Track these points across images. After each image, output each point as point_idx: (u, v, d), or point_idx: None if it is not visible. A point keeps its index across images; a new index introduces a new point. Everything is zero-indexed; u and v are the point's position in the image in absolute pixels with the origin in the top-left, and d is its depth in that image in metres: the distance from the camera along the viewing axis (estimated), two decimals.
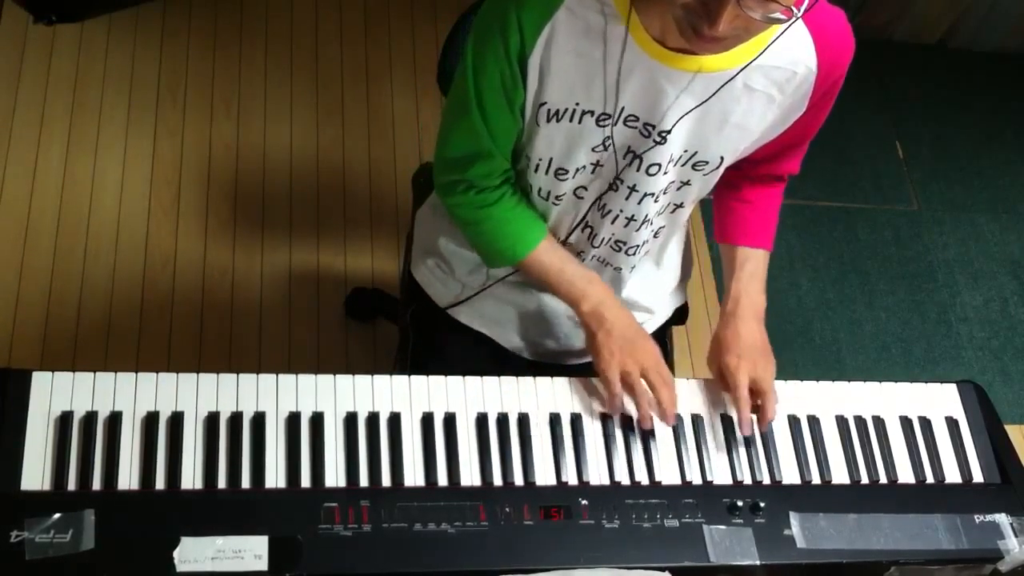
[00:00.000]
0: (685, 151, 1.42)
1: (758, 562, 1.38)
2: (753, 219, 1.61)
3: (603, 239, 1.55)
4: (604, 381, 1.47)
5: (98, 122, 2.65)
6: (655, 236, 1.59)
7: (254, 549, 1.27)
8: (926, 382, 1.61)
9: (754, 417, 1.51)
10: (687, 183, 1.48)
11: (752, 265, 1.59)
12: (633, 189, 1.46)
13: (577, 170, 1.44)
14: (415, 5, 3.02)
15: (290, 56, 2.87)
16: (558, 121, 1.38)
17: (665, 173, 1.44)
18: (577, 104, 1.37)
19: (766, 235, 1.62)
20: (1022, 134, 3.24)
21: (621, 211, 1.50)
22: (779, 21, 1.18)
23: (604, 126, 1.38)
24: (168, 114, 2.70)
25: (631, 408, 1.49)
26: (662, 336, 1.80)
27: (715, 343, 1.56)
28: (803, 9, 1.18)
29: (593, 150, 1.41)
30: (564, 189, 1.48)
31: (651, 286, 1.69)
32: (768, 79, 1.36)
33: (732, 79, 1.33)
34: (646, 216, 1.50)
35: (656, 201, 1.49)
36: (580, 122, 1.38)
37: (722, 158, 1.44)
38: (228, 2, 2.91)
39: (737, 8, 1.16)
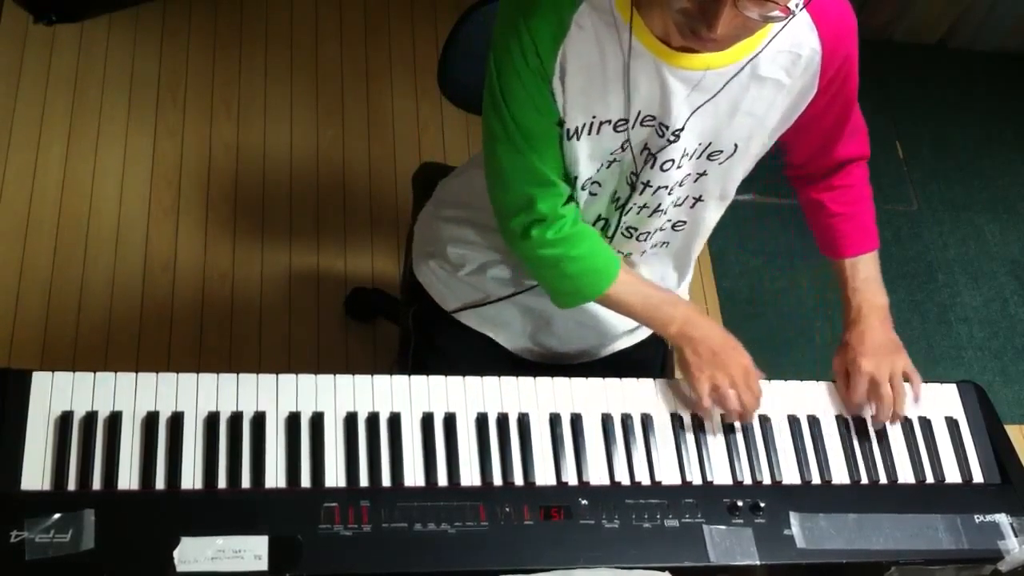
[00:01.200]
0: (699, 144, 1.43)
1: (758, 562, 1.38)
2: (849, 229, 1.62)
3: (616, 228, 1.56)
4: (696, 396, 1.50)
5: (98, 122, 2.65)
6: (674, 228, 1.59)
7: (254, 549, 1.27)
8: (926, 382, 1.61)
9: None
10: (703, 174, 1.49)
11: (864, 270, 1.61)
12: (647, 185, 1.47)
13: (597, 169, 1.45)
14: (415, 5, 3.02)
15: (290, 56, 2.87)
16: (578, 139, 1.39)
17: (679, 167, 1.45)
18: (594, 117, 1.37)
19: (869, 237, 1.63)
20: (1022, 134, 3.24)
21: (634, 203, 1.51)
22: (777, 19, 1.19)
23: (622, 131, 1.39)
24: (168, 114, 2.70)
25: (629, 406, 1.49)
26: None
27: (842, 348, 1.58)
28: (801, 5, 1.19)
29: (611, 153, 1.42)
30: (583, 194, 1.49)
31: (663, 282, 1.70)
32: (775, 64, 1.36)
33: (740, 71, 1.34)
34: (659, 205, 1.51)
35: (670, 193, 1.49)
36: (599, 133, 1.39)
37: (736, 145, 1.45)
38: (228, 2, 2.91)
39: (734, 10, 1.16)
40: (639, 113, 1.37)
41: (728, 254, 2.80)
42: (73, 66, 2.72)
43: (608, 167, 1.46)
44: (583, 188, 1.47)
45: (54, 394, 1.35)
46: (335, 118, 2.79)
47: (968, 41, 3.34)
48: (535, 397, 1.47)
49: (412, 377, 1.46)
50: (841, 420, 1.54)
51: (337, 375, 1.44)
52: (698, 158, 1.45)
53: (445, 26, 1.92)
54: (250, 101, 2.77)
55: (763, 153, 1.51)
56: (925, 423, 1.57)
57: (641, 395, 1.51)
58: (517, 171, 1.43)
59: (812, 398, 1.56)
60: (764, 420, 1.52)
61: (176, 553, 1.25)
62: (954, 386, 1.62)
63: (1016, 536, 1.46)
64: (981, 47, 3.36)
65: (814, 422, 1.54)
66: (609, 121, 1.38)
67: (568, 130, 1.38)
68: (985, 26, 3.29)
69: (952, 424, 1.58)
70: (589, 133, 1.39)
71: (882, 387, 1.54)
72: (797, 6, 1.19)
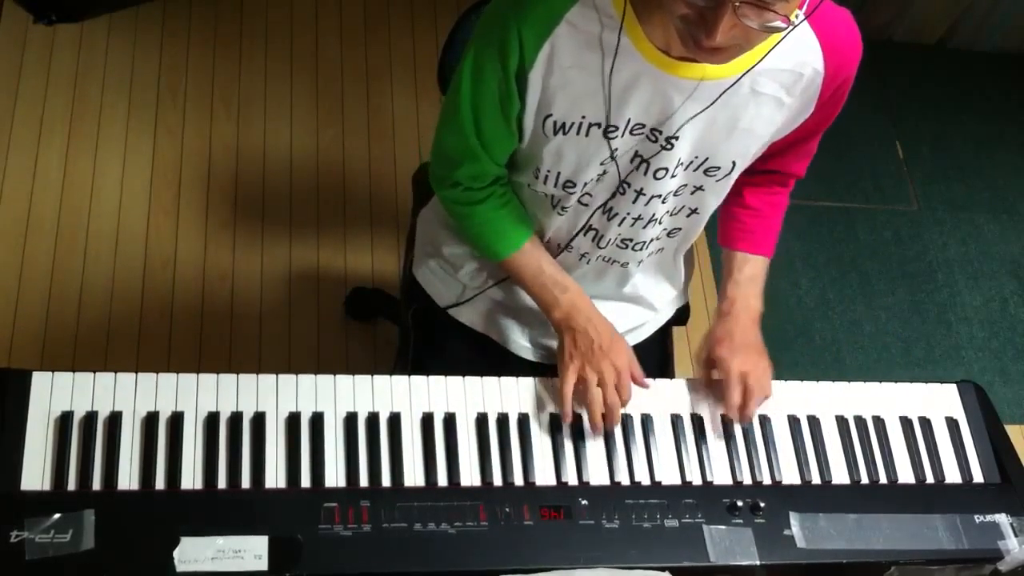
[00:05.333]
0: (696, 157, 1.42)
1: (758, 562, 1.38)
2: (755, 225, 1.61)
3: (609, 240, 1.55)
4: (560, 385, 1.46)
5: (98, 122, 2.65)
6: (669, 235, 1.59)
7: (254, 549, 1.27)
8: (926, 382, 1.61)
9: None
10: (700, 188, 1.48)
11: (751, 269, 1.59)
12: (640, 192, 1.46)
13: (585, 183, 1.45)
14: (415, 5, 3.02)
15: (290, 56, 2.87)
16: (565, 134, 1.39)
17: (673, 176, 1.44)
18: (583, 117, 1.37)
19: (767, 242, 1.62)
20: (1022, 134, 3.24)
21: (628, 213, 1.50)
22: (777, 29, 1.18)
23: (612, 137, 1.38)
24: (168, 114, 2.70)
25: (628, 406, 1.49)
26: (663, 336, 1.80)
27: (707, 339, 1.56)
28: (802, 16, 1.18)
29: (601, 163, 1.42)
30: (571, 201, 1.49)
31: (661, 285, 1.69)
32: (775, 82, 1.36)
33: (738, 83, 1.33)
34: (653, 215, 1.51)
35: (664, 202, 1.48)
36: (587, 134, 1.38)
37: (734, 163, 1.44)
38: (228, 2, 2.91)
39: (734, 18, 1.16)
40: (628, 121, 1.37)
41: None
42: (73, 66, 2.72)
43: (599, 180, 1.45)
44: (567, 190, 1.46)
45: (54, 394, 1.35)
46: (335, 118, 2.79)
47: (968, 41, 3.34)
48: (535, 397, 1.47)
49: (412, 377, 1.46)
50: (841, 420, 1.54)
51: (337, 375, 1.44)
52: (694, 170, 1.45)
53: (445, 26, 1.92)
54: (250, 101, 2.77)
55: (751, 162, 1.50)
56: (925, 423, 1.57)
57: (641, 395, 1.51)
58: (453, 135, 1.45)
59: (812, 398, 1.56)
60: (764, 420, 1.52)
61: (176, 553, 1.25)
62: (954, 386, 1.62)
63: (1016, 536, 1.46)
64: (981, 47, 3.36)
65: (814, 422, 1.54)
66: (598, 124, 1.37)
67: (555, 123, 1.38)
68: (985, 26, 3.29)
69: (952, 424, 1.58)
70: (577, 132, 1.38)
71: (747, 391, 1.50)
72: (798, 18, 1.18)
